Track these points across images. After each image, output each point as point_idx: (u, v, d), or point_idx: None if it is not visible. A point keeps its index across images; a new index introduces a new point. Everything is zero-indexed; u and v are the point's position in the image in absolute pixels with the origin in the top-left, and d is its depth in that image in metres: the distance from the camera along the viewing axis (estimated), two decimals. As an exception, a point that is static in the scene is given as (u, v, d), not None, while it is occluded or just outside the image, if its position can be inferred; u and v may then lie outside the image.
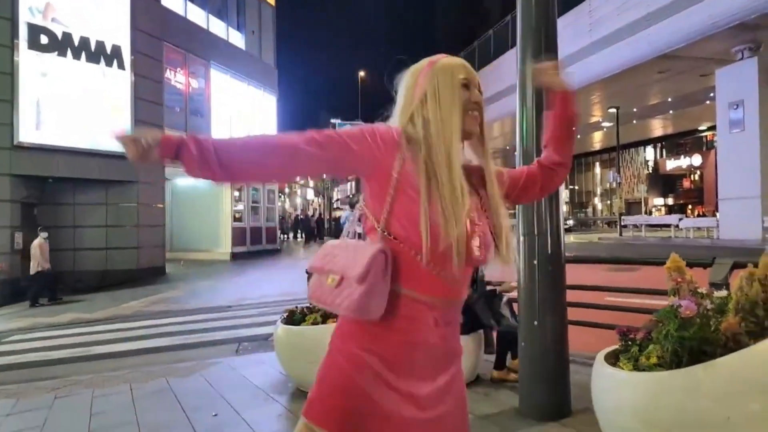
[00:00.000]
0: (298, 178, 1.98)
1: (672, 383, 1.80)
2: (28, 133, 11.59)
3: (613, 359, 2.25)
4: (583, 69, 18.65)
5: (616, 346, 2.32)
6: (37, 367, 5.67)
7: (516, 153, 3.30)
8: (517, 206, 3.20)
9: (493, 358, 3.97)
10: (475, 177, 1.28)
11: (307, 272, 1.22)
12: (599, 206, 46.54)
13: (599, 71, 19.65)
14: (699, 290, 2.01)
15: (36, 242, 10.96)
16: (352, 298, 1.09)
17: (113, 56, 13.11)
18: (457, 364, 1.24)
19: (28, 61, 11.61)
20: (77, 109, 12.41)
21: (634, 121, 30.14)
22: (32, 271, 10.88)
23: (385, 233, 1.14)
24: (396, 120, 1.25)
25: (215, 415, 3.50)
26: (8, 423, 3.65)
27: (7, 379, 5.14)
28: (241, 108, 20.31)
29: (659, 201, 40.98)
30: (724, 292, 2.07)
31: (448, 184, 1.14)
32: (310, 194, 56.66)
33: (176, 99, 16.63)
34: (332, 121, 27.75)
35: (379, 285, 1.10)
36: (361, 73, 36.47)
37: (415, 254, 1.12)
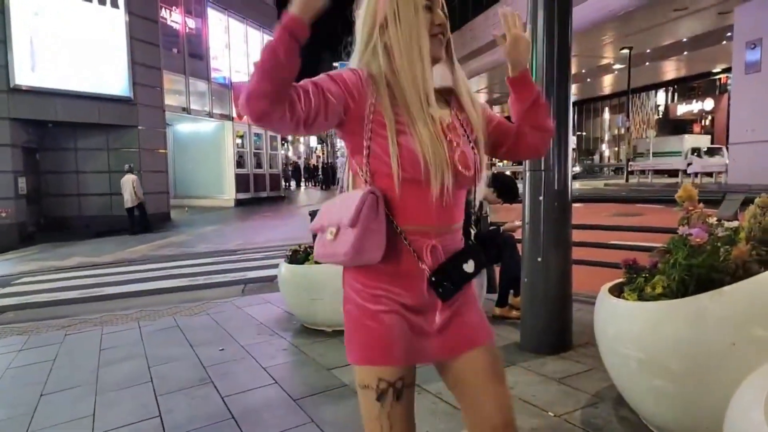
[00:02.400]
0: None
1: (676, 312, 1.77)
2: (24, 75, 11.34)
3: (617, 292, 2.23)
4: (597, 6, 17.82)
5: (621, 280, 2.29)
6: (47, 306, 5.78)
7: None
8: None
9: (495, 297, 3.99)
10: (451, 100, 1.24)
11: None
12: (606, 153, 45.89)
13: (614, 8, 18.81)
14: (710, 220, 1.96)
15: (129, 178, 12.20)
16: (348, 243, 1.09)
17: (106, -7, 12.63)
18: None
19: (18, -1, 11.20)
20: (72, 50, 12.07)
21: (647, 63, 29.19)
22: (129, 205, 12.24)
23: (368, 175, 1.14)
24: (356, 57, 1.19)
25: (222, 349, 3.57)
26: (20, 357, 3.75)
27: (19, 318, 5.26)
28: (240, 50, 19.73)
29: (668, 147, 40.30)
30: (735, 223, 2.02)
31: (419, 110, 1.12)
32: (314, 142, 56.07)
33: (172, 40, 16.13)
34: (334, 64, 26.99)
35: (372, 225, 1.10)
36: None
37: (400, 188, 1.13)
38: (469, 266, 1.17)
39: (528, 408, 2.36)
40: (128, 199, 12.21)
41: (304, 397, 2.65)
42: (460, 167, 1.14)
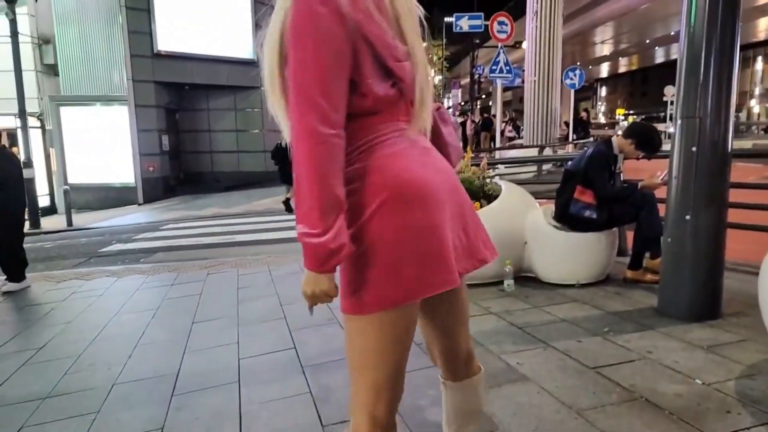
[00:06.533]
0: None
1: None
2: (165, 41, 12.45)
3: (791, 254, 1.94)
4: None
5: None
6: (190, 249, 6.48)
7: (680, 41, 2.75)
8: (677, 84, 2.77)
9: (626, 260, 3.71)
10: None
11: None
12: (756, 109, 40.05)
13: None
14: None
15: None
16: None
17: (233, -41, 13.29)
18: None
19: (159, -30, 12.19)
20: (204, 17, 12.96)
21: (818, 1, 24.56)
22: None
23: None
24: None
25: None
26: (173, 290, 4.25)
27: (168, 258, 5.96)
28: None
29: (838, 102, 34.16)
30: None
31: None
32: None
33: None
34: (446, 19, 25.93)
35: None
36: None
37: None
38: None
39: (670, 373, 2.19)
40: None
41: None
42: None
